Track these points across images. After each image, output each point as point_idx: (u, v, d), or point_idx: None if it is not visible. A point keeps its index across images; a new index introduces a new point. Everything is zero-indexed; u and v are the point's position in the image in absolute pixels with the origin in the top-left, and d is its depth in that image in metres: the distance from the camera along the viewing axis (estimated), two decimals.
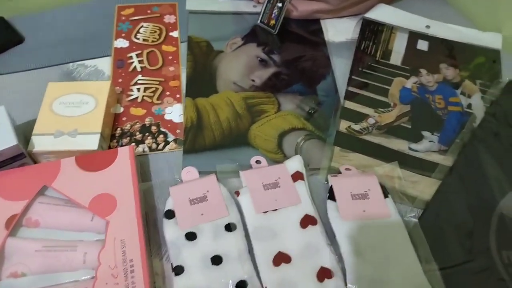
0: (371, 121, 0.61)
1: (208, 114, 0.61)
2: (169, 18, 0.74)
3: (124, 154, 0.52)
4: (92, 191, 0.49)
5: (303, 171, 0.54)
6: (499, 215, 0.51)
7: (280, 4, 0.70)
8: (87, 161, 0.52)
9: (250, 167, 0.55)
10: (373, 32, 0.72)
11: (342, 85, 0.66)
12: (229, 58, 0.68)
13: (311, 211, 0.50)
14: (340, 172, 0.55)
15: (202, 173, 0.54)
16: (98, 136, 0.54)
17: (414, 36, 0.72)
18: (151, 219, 0.51)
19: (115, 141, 0.58)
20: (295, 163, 0.55)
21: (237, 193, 0.52)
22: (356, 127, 0.60)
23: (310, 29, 0.75)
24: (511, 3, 0.70)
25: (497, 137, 0.57)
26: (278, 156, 0.57)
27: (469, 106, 0.63)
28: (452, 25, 0.74)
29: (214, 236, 0.48)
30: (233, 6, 0.77)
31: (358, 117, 0.62)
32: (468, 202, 0.52)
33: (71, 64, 0.67)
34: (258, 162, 0.56)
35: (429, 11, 0.76)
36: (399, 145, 0.59)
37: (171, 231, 0.48)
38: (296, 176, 0.53)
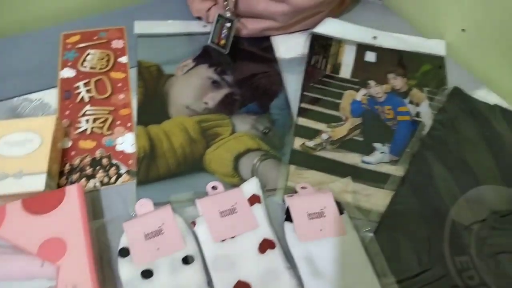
0: (324, 136, 0.62)
1: (161, 141, 0.60)
2: (117, 43, 0.73)
3: (72, 193, 0.50)
4: (41, 236, 0.47)
5: (260, 193, 0.54)
6: (451, 222, 0.52)
7: (228, 24, 0.70)
8: (34, 204, 0.50)
9: (206, 194, 0.55)
10: (322, 47, 0.74)
11: (294, 102, 0.66)
12: (180, 82, 0.68)
13: (269, 235, 0.50)
14: (296, 191, 0.55)
15: (157, 204, 0.53)
16: (45, 176, 0.52)
17: (361, 48, 0.73)
18: (106, 259, 0.50)
19: (64, 178, 0.56)
20: (251, 186, 0.55)
21: (193, 224, 0.51)
22: (310, 143, 0.61)
23: (262, 46, 0.75)
24: (453, 9, 0.73)
25: (445, 144, 0.59)
26: (235, 179, 0.57)
27: (418, 114, 0.65)
28: (398, 34, 0.76)
29: (171, 271, 0.47)
30: (183, 27, 0.76)
31: (312, 133, 0.62)
32: (421, 211, 0.53)
33: (15, 99, 0.64)
34: (214, 188, 0.55)
35: (376, 22, 0.78)
36: (352, 158, 0.60)
37: (126, 270, 0.47)
38: (253, 200, 0.53)
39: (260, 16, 0.72)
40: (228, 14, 0.70)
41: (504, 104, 0.66)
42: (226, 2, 0.69)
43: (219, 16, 0.70)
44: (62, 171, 0.57)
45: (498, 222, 0.52)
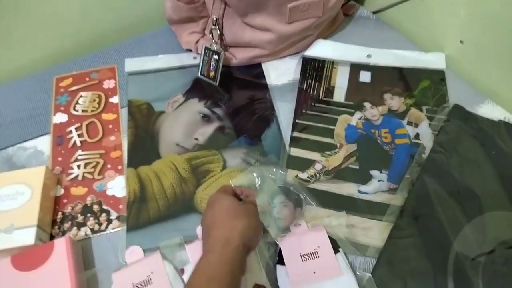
0: (318, 166, 0.60)
1: (152, 183, 0.59)
2: (108, 83, 0.73)
3: (61, 246, 0.50)
4: None
5: None
6: (455, 254, 0.49)
7: (216, 57, 0.69)
8: (23, 260, 0.49)
9: (197, 237, 0.53)
10: (314, 70, 0.72)
11: (287, 131, 0.64)
12: (171, 119, 0.67)
13: (261, 280, 0.48)
14: (289, 230, 0.53)
15: (147, 250, 0.52)
16: (35, 229, 0.52)
17: (355, 68, 0.71)
18: None
19: (56, 227, 0.56)
20: None
21: (182, 271, 0.49)
22: (304, 175, 0.59)
23: (253, 73, 0.74)
24: (450, 21, 0.70)
25: (446, 168, 0.56)
26: None
27: (417, 136, 0.62)
28: (394, 50, 0.73)
29: None
30: (174, 60, 0.76)
31: (305, 164, 0.60)
32: (423, 244, 0.50)
33: (10, 148, 0.65)
34: None
35: (370, 38, 0.76)
36: (348, 189, 0.57)
37: None
38: None
39: (248, 45, 0.71)
40: (214, 47, 0.69)
41: (510, 118, 0.62)
42: (211, 35, 0.69)
43: (206, 48, 0.69)
44: (54, 219, 0.57)
45: (506, 254, 0.48)
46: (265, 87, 0.71)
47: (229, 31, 0.70)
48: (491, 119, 0.61)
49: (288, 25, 0.67)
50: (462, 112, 0.61)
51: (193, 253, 0.50)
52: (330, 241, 0.50)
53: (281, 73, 0.73)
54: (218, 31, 0.68)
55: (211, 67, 0.70)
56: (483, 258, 0.48)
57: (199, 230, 0.54)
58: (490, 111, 0.64)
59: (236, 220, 0.44)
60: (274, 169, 0.58)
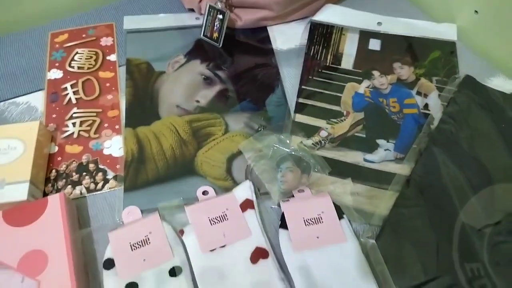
0: (323, 134, 0.58)
1: (150, 144, 0.57)
2: (106, 41, 0.70)
3: (55, 203, 0.48)
4: (21, 249, 0.45)
5: (254, 198, 0.51)
6: (461, 225, 0.48)
7: (221, 16, 0.66)
8: (15, 215, 0.47)
9: (197, 199, 0.51)
10: (322, 36, 0.69)
11: (292, 97, 0.62)
12: (171, 79, 0.64)
13: (262, 243, 0.47)
14: (293, 195, 0.51)
15: (145, 211, 0.51)
16: (27, 184, 0.49)
17: (365, 36, 0.68)
18: (92, 270, 0.47)
19: (50, 185, 0.54)
20: (244, 190, 0.51)
21: (181, 232, 0.48)
22: (308, 142, 0.57)
23: (258, 37, 0.71)
24: None
25: (456, 139, 0.54)
26: (227, 183, 0.54)
27: (426, 106, 0.60)
28: (405, 19, 0.70)
29: (157, 284, 0.44)
30: (175, 20, 0.73)
31: (310, 130, 0.58)
32: (428, 214, 0.49)
33: (1, 103, 0.62)
34: (205, 193, 0.52)
35: (381, 6, 0.73)
36: (354, 157, 0.55)
37: (111, 284, 0.44)
38: (246, 205, 0.50)
39: (255, 6, 0.68)
40: (219, 5, 0.65)
41: None
42: None
43: (210, 7, 0.66)
44: (48, 177, 0.54)
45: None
46: (270, 52, 0.68)
47: None
48: (504, 92, 0.59)
49: None
50: (473, 84, 0.59)
51: (192, 214, 0.49)
52: (335, 207, 0.49)
53: (288, 38, 0.70)
54: None
55: (215, 27, 0.67)
56: (489, 229, 0.47)
57: (198, 192, 0.52)
58: (502, 84, 0.62)
59: None
60: (282, 136, 0.56)
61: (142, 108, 0.61)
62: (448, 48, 0.67)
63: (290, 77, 0.65)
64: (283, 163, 0.54)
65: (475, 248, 0.46)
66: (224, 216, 0.49)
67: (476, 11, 0.66)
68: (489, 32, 0.66)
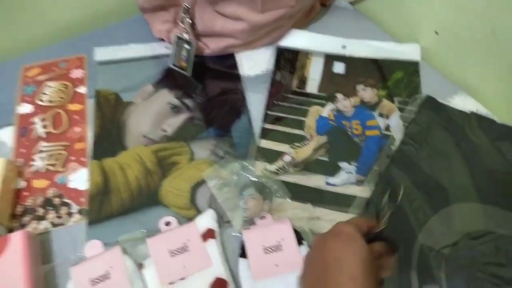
0: (287, 158, 0.58)
1: (116, 175, 0.57)
2: (76, 73, 0.71)
3: (16, 241, 0.48)
4: None
5: (216, 227, 0.51)
6: (420, 247, 0.48)
7: (187, 46, 0.67)
8: None
9: (159, 230, 0.52)
10: (288, 61, 0.70)
11: (258, 122, 0.63)
12: (139, 110, 0.65)
13: (222, 273, 0.47)
14: (254, 223, 0.52)
15: (108, 245, 0.51)
16: None
17: (330, 59, 0.70)
18: None
19: (16, 221, 0.54)
20: (206, 219, 0.52)
21: (141, 266, 0.48)
22: (272, 167, 0.57)
23: (226, 63, 0.72)
24: (425, 11, 0.69)
25: (415, 159, 0.55)
26: (191, 212, 0.54)
27: (388, 128, 0.61)
28: (369, 41, 0.72)
29: None
30: (145, 50, 0.74)
31: (274, 156, 0.59)
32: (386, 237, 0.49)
33: None
34: (168, 223, 0.52)
35: (347, 28, 0.74)
36: (316, 181, 0.56)
37: None
38: (208, 235, 0.50)
39: (220, 35, 0.69)
40: (186, 36, 0.67)
41: (483, 110, 0.61)
42: (182, 24, 0.67)
43: (178, 38, 0.68)
44: (15, 213, 0.55)
45: (470, 245, 0.47)
46: (237, 77, 0.69)
47: (200, 20, 0.68)
48: (463, 110, 0.60)
49: (261, 14, 0.66)
50: (433, 103, 0.60)
51: (153, 247, 0.49)
52: (295, 233, 0.49)
53: (255, 63, 0.71)
54: (189, 20, 0.67)
55: (183, 57, 0.69)
56: (447, 249, 0.47)
57: (161, 223, 0.52)
58: (462, 102, 0.63)
59: None
60: (246, 163, 0.57)
61: (109, 139, 0.62)
62: (411, 68, 0.68)
63: (256, 103, 0.66)
64: (245, 190, 0.54)
65: (433, 269, 0.46)
66: (184, 247, 0.49)
67: (436, 32, 0.67)
68: (450, 52, 0.67)
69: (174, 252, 0.48)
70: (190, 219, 0.53)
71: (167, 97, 0.66)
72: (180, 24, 0.68)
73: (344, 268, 0.34)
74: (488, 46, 0.60)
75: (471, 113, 0.59)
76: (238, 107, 0.65)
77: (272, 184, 0.55)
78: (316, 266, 0.37)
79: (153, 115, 0.64)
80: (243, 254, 0.48)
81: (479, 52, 0.62)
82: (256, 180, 0.55)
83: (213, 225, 0.51)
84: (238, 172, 0.56)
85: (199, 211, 0.54)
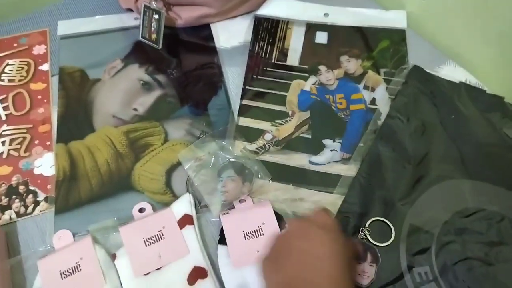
0: (268, 137, 0.55)
1: (84, 159, 0.53)
2: (38, 49, 0.65)
3: None
4: None
5: (193, 212, 0.48)
6: (408, 226, 0.46)
7: (157, 16, 0.62)
8: None
9: (133, 218, 0.48)
10: (267, 31, 0.65)
11: (236, 98, 0.59)
12: (107, 87, 0.60)
13: (201, 262, 0.44)
14: (233, 207, 0.49)
15: (78, 235, 0.48)
16: None
17: (312, 28, 0.65)
18: None
19: None
20: (183, 205, 0.48)
21: (114, 256, 0.45)
22: (252, 147, 0.54)
23: (201, 35, 0.67)
24: None
25: (402, 134, 0.52)
26: (166, 197, 0.51)
27: (373, 101, 0.57)
28: (353, 8, 0.67)
29: None
30: (112, 22, 0.68)
31: (254, 134, 0.55)
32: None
33: None
34: (142, 210, 0.49)
35: None
36: (299, 160, 0.53)
37: None
38: (184, 221, 0.47)
39: (193, 3, 0.64)
40: (154, 5, 0.61)
41: (472, 80, 0.59)
42: None
43: (146, 7, 0.62)
44: None
45: (460, 224, 0.45)
46: (213, 50, 0.65)
47: None
48: (452, 80, 0.57)
49: None
50: (421, 74, 0.57)
51: (126, 236, 0.46)
52: (276, 216, 0.47)
53: (232, 34, 0.66)
54: None
55: (152, 28, 0.63)
56: (437, 229, 0.45)
57: (134, 210, 0.49)
58: (451, 72, 0.60)
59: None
60: (224, 142, 0.53)
61: (75, 120, 0.57)
62: (398, 36, 0.64)
63: (234, 77, 0.62)
64: (224, 171, 0.51)
65: (424, 250, 0.45)
66: (160, 235, 0.46)
67: None
68: (438, 18, 0.63)
69: (149, 240, 0.45)
70: (165, 204, 0.50)
71: (137, 73, 0.62)
72: None
73: (325, 267, 0.33)
74: (477, 11, 0.57)
75: (460, 83, 0.56)
76: (215, 83, 0.61)
77: (252, 164, 0.51)
78: (295, 257, 0.35)
79: (122, 93, 0.59)
80: (222, 241, 0.45)
81: (467, 18, 0.59)
82: (235, 160, 0.52)
83: (190, 211, 0.48)
84: (215, 152, 0.53)
85: (175, 196, 0.50)
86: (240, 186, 0.50)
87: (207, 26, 0.68)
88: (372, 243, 0.45)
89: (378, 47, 0.63)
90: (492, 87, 0.57)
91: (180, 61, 0.64)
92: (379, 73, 0.60)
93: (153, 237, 0.46)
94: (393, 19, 0.66)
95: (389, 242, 0.45)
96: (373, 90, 0.58)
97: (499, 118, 0.53)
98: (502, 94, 0.56)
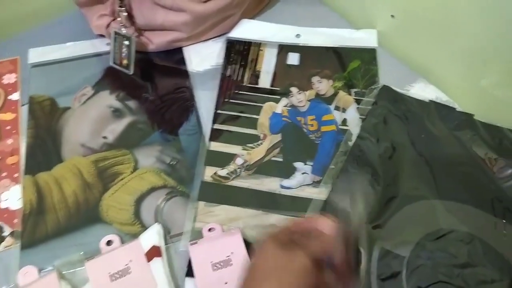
0: (239, 161, 0.54)
1: (51, 191, 0.52)
2: (8, 78, 0.64)
3: None
4: None
5: (161, 244, 0.47)
6: (379, 250, 0.45)
7: (127, 42, 0.62)
8: None
9: (100, 251, 0.47)
10: (239, 53, 0.65)
11: (208, 123, 0.59)
12: (76, 115, 0.60)
13: None
14: (202, 236, 0.48)
15: (44, 271, 0.46)
16: None
17: (284, 50, 0.65)
18: None
19: None
20: (151, 236, 0.47)
21: None
22: (223, 172, 0.53)
23: (173, 59, 0.67)
24: None
25: (372, 155, 0.52)
26: (135, 228, 0.50)
27: (345, 121, 0.57)
28: (324, 29, 0.68)
29: None
30: (83, 48, 0.68)
31: (226, 159, 0.55)
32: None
33: None
34: (109, 242, 0.48)
35: (300, 16, 0.70)
36: (270, 184, 0.52)
37: None
38: (152, 253, 0.46)
39: (163, 28, 0.64)
40: (124, 31, 0.61)
41: (443, 97, 0.59)
42: (119, 18, 0.61)
43: (116, 33, 0.62)
44: None
45: (431, 247, 0.45)
46: (185, 74, 0.64)
47: (139, 12, 0.62)
48: (421, 99, 0.57)
49: (203, 4, 0.60)
50: (390, 94, 0.57)
51: (91, 271, 0.45)
52: (247, 244, 0.46)
53: (204, 58, 0.66)
54: (126, 13, 0.61)
55: (123, 54, 0.63)
56: (407, 252, 0.45)
57: (101, 243, 0.48)
58: (422, 90, 0.60)
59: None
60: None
61: (44, 151, 0.56)
62: (369, 55, 0.64)
63: (205, 101, 0.61)
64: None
65: (394, 274, 0.44)
66: (127, 269, 0.45)
67: (392, 16, 0.63)
68: (408, 36, 0.64)
69: (115, 275, 0.44)
70: (134, 235, 0.48)
71: (107, 99, 0.61)
72: (117, 17, 0.62)
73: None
74: (446, 27, 0.57)
75: (430, 102, 0.56)
76: (186, 107, 0.60)
77: None
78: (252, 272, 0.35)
79: (91, 121, 0.59)
80: (189, 273, 0.44)
81: (435, 35, 0.59)
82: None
83: (159, 242, 0.47)
84: (187, 178, 0.52)
85: (143, 226, 0.50)
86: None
87: (179, 50, 0.67)
88: None
89: (349, 67, 0.63)
90: (462, 104, 0.57)
91: (152, 86, 0.63)
92: (350, 94, 0.60)
93: (119, 272, 0.45)
94: (364, 38, 0.66)
95: (360, 267, 0.44)
96: (344, 110, 0.58)
97: (469, 136, 0.53)
98: (472, 110, 0.56)
